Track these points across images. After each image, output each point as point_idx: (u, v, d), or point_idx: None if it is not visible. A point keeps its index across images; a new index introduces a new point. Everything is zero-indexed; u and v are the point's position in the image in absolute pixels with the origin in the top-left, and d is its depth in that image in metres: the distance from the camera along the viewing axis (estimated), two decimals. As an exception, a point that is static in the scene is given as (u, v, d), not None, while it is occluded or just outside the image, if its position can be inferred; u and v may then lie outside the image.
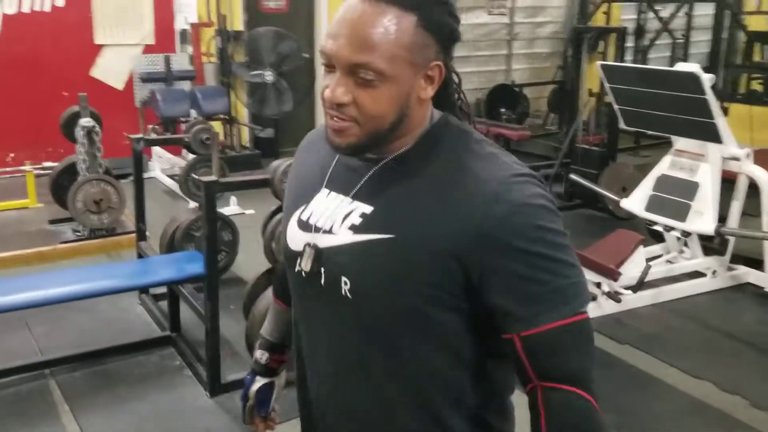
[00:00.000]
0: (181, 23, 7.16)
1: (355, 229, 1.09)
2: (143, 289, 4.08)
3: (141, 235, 4.13)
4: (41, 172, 5.94)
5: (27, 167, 5.86)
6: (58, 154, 6.37)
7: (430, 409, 1.11)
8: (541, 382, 1.03)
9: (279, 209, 3.22)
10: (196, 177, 4.25)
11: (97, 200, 4.93)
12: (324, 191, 1.16)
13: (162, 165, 6.92)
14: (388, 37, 0.99)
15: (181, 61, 7.12)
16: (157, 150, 6.90)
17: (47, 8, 6.64)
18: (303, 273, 1.14)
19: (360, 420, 1.17)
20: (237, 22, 7.25)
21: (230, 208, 5.66)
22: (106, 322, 3.92)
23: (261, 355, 1.46)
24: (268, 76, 6.73)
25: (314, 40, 8.13)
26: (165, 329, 3.77)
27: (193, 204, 5.20)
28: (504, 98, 8.22)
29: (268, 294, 3.15)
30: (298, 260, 1.15)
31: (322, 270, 1.11)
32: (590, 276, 3.90)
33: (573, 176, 5.21)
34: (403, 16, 1.00)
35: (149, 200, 4.48)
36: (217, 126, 7.09)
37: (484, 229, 1.00)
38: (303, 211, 1.18)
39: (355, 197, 1.11)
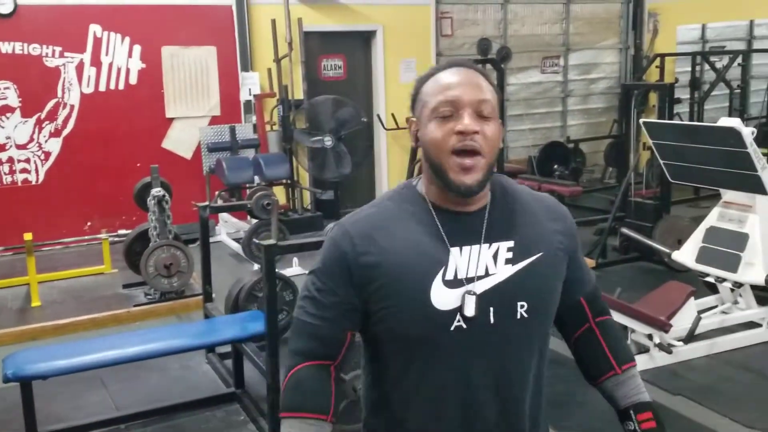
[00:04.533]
0: (245, 95, 7.59)
1: (512, 261, 1.35)
2: (209, 348, 4.31)
3: (207, 297, 4.37)
4: (116, 239, 6.33)
5: (103, 235, 6.24)
6: (131, 222, 6.79)
7: (542, 382, 1.44)
8: (596, 318, 1.53)
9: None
10: (257, 241, 4.49)
11: (167, 264, 5.22)
12: (455, 250, 1.33)
13: (228, 229, 7.25)
14: (489, 87, 1.36)
15: (245, 130, 7.51)
16: (223, 215, 7.25)
17: (122, 86, 7.16)
18: (464, 324, 1.31)
19: (519, 410, 1.39)
20: (298, 91, 7.63)
21: (292, 269, 5.89)
22: (175, 379, 4.15)
23: None
24: (328, 141, 7.04)
25: (372, 104, 8.47)
26: (230, 386, 3.97)
27: (257, 266, 5.44)
28: (557, 155, 8.33)
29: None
30: (457, 315, 1.30)
31: (491, 309, 1.32)
32: (641, 328, 3.95)
33: (624, 230, 5.26)
34: (489, 83, 1.37)
35: (216, 263, 4.73)
36: (280, 190, 7.42)
37: (568, 230, 1.46)
38: (444, 273, 1.31)
39: (488, 240, 1.35)
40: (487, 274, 1.33)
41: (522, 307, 1.33)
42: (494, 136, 1.32)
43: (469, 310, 1.30)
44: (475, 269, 1.33)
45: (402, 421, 1.39)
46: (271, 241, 3.30)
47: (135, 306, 5.31)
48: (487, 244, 1.34)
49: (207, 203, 4.28)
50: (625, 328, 4.05)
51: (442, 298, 1.30)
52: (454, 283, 1.31)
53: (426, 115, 1.33)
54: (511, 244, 1.35)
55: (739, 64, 8.70)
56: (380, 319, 1.34)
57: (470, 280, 1.32)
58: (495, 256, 1.34)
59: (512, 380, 1.36)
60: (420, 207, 1.37)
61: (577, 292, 1.49)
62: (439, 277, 1.31)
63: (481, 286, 1.32)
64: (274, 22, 7.46)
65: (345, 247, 1.35)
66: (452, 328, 1.31)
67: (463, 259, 1.33)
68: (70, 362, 3.40)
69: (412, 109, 1.40)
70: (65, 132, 7.02)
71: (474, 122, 1.29)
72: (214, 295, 4.47)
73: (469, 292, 1.30)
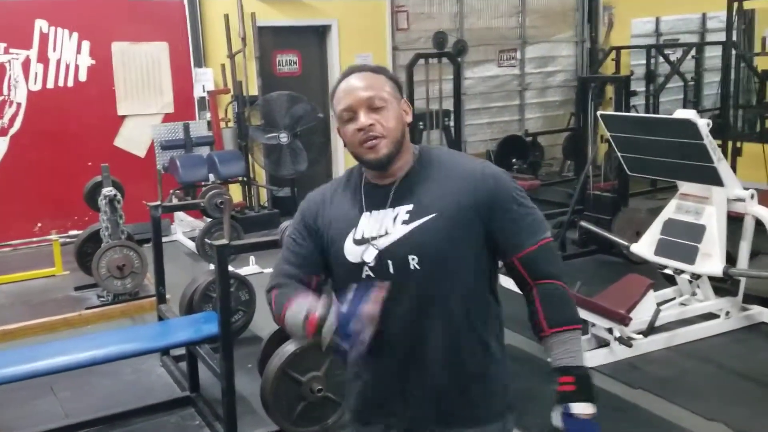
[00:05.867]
0: (199, 91, 7.44)
1: (407, 222, 1.61)
2: (164, 351, 4.19)
3: (161, 299, 4.25)
4: (67, 240, 6.15)
5: (53, 236, 6.06)
6: (83, 223, 6.61)
7: (476, 327, 1.64)
8: (536, 281, 1.63)
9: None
10: (210, 241, 4.38)
11: (120, 266, 5.08)
12: (365, 214, 1.65)
13: (183, 228, 7.10)
14: (379, 82, 1.65)
15: (199, 127, 7.37)
16: (178, 214, 7.10)
17: (71, 83, 6.96)
18: (371, 274, 1.61)
19: (439, 349, 1.61)
20: (252, 87, 7.51)
21: (249, 267, 5.78)
22: (128, 384, 4.03)
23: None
24: (283, 137, 6.94)
25: (327, 100, 8.34)
26: (185, 389, 3.87)
27: (212, 266, 5.32)
28: (515, 148, 8.34)
29: (282, 351, 3.23)
30: (364, 267, 1.61)
31: (389, 262, 1.59)
32: (601, 322, 3.94)
33: (583, 223, 5.27)
34: (380, 76, 1.67)
35: (171, 262, 4.61)
36: (235, 188, 7.30)
37: (484, 189, 1.61)
38: (354, 233, 1.64)
39: (392, 205, 1.63)
40: (386, 233, 1.61)
41: (413, 260, 1.59)
42: (392, 117, 1.62)
43: (368, 257, 1.61)
44: (378, 230, 1.62)
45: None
46: (224, 241, 3.21)
47: (87, 309, 5.16)
48: (392, 209, 1.63)
49: (158, 203, 4.15)
50: (585, 322, 4.05)
51: (352, 253, 1.64)
52: (361, 241, 1.64)
53: (338, 119, 1.66)
54: (410, 207, 1.62)
55: (692, 57, 8.80)
56: (329, 264, 1.72)
57: (374, 239, 1.62)
58: (395, 218, 1.62)
59: (416, 324, 1.61)
60: (356, 181, 1.71)
61: (508, 253, 1.64)
62: (350, 235, 1.65)
63: (382, 243, 1.61)
64: (227, 17, 7.33)
65: (306, 212, 1.76)
66: (363, 276, 1.62)
67: (370, 222, 1.64)
68: (18, 369, 3.24)
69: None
70: (12, 131, 6.80)
71: (368, 117, 1.60)
72: (168, 296, 4.35)
73: (373, 246, 1.61)
